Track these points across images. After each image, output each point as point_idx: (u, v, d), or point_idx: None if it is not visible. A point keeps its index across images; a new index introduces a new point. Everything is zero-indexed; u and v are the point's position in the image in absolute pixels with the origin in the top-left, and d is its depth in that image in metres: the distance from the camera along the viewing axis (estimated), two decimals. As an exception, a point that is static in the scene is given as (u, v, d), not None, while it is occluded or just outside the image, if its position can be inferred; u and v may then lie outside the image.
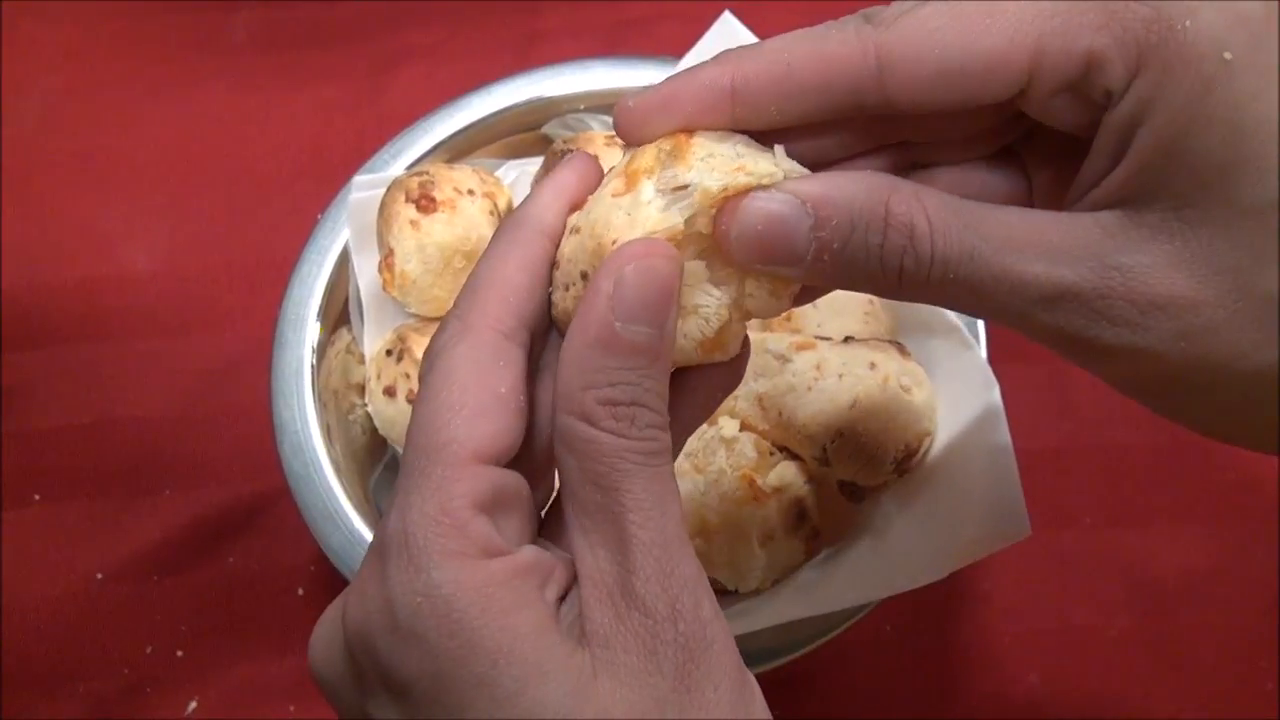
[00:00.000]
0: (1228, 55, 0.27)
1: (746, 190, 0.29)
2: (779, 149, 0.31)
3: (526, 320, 0.32)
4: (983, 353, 0.55)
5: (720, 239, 0.30)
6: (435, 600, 0.27)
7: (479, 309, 0.31)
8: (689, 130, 0.31)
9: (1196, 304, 0.28)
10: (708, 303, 0.31)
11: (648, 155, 0.31)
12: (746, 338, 0.33)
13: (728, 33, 0.61)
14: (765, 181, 0.29)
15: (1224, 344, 0.28)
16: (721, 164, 0.30)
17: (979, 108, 0.30)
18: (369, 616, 0.29)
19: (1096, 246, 0.29)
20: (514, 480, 0.30)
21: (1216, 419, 0.31)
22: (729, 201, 0.29)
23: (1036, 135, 0.33)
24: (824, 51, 0.30)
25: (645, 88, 0.31)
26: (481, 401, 0.30)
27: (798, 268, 0.30)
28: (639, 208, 0.30)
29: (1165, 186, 0.28)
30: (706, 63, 0.31)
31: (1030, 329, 0.30)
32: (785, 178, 0.30)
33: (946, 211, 0.29)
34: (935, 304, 0.31)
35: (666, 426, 0.29)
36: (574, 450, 0.29)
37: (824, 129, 0.32)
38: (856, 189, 0.29)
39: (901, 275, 0.29)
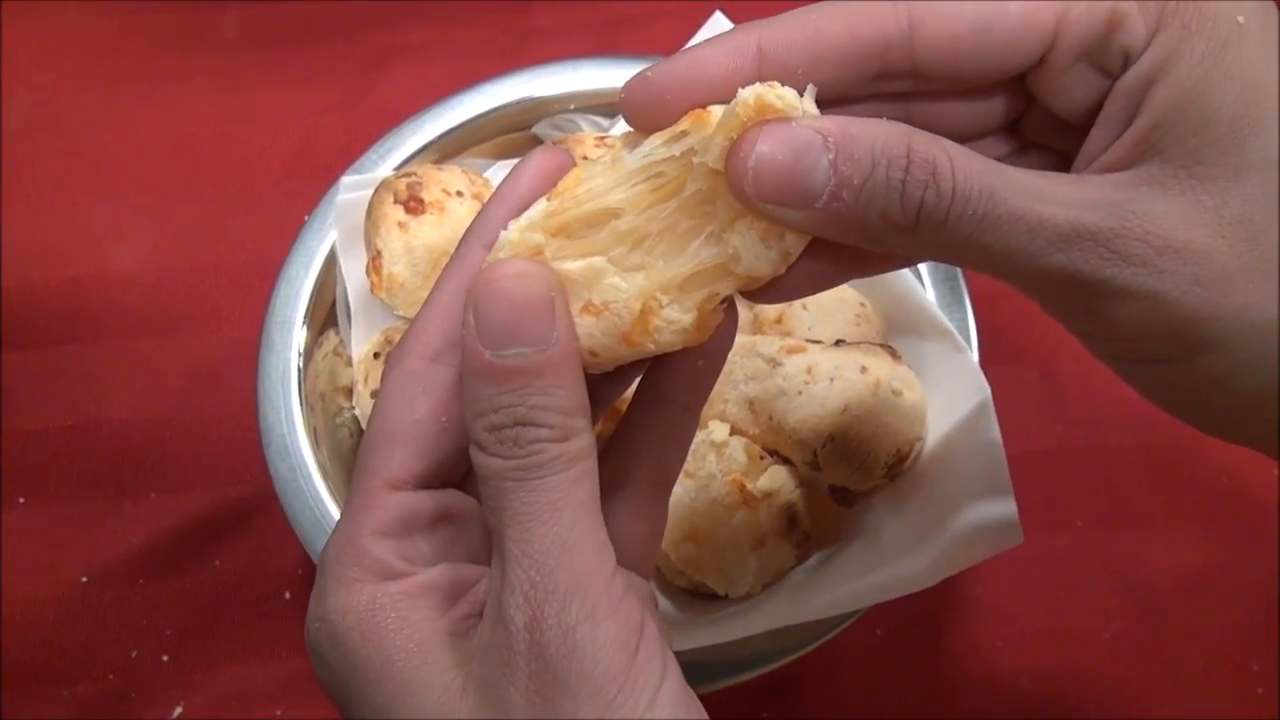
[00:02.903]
0: (1241, 19, 0.29)
1: (772, 114, 0.29)
2: (810, 88, 0.30)
3: (458, 338, 0.32)
4: (974, 356, 0.55)
5: (734, 173, 0.29)
6: (327, 624, 0.30)
7: (410, 334, 0.32)
8: (703, 106, 0.30)
9: (1211, 251, 0.29)
10: (617, 296, 0.30)
11: (572, 177, 0.31)
12: (734, 309, 0.33)
13: (718, 32, 0.60)
14: (790, 113, 0.29)
15: (1236, 293, 0.29)
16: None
17: (992, 88, 0.32)
18: (306, 637, 0.31)
19: (1112, 197, 0.29)
20: (438, 500, 0.32)
21: (1212, 395, 0.31)
22: (747, 133, 0.29)
23: (1029, 151, 0.34)
24: (854, 11, 0.30)
25: (656, 63, 0.31)
26: (395, 429, 0.31)
27: (809, 209, 0.29)
28: (510, 228, 0.31)
29: (1177, 144, 0.29)
30: (727, 32, 0.31)
31: (1040, 274, 0.30)
32: (805, 115, 0.30)
33: (966, 154, 0.29)
34: (941, 251, 0.30)
35: (565, 436, 0.29)
36: (477, 477, 0.30)
37: (839, 106, 0.32)
38: (878, 128, 0.29)
39: (920, 212, 0.29)
